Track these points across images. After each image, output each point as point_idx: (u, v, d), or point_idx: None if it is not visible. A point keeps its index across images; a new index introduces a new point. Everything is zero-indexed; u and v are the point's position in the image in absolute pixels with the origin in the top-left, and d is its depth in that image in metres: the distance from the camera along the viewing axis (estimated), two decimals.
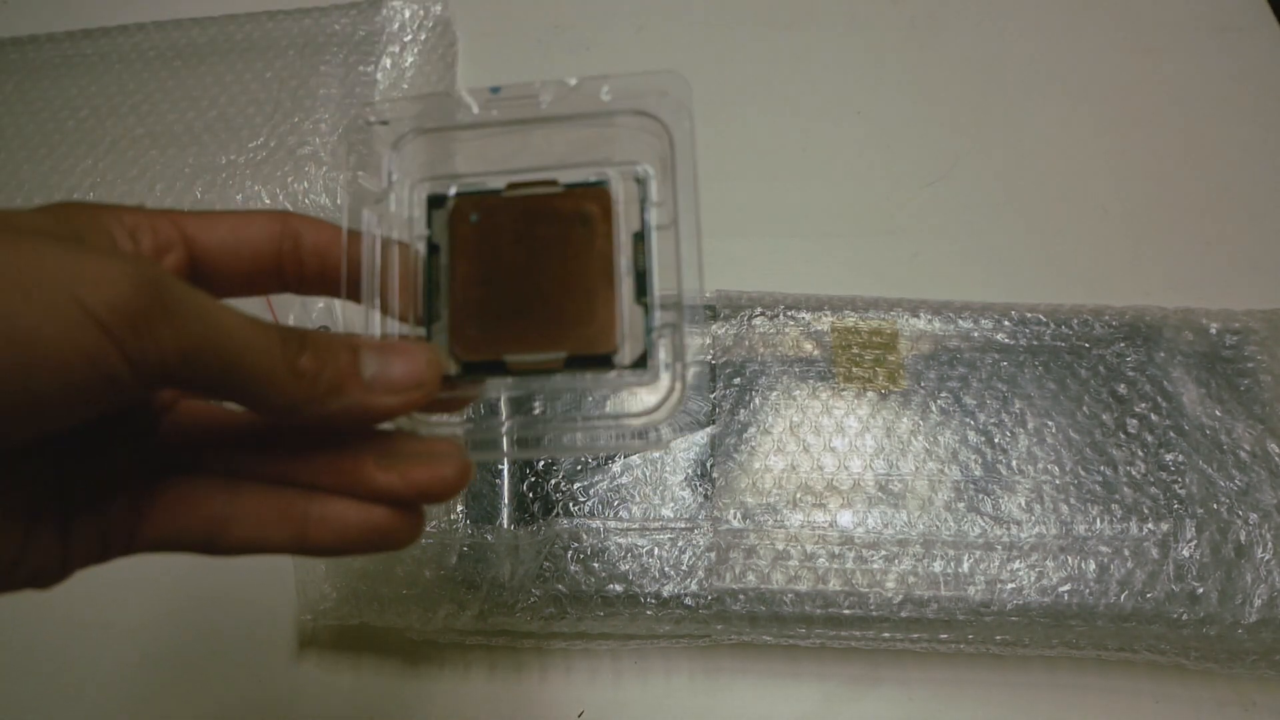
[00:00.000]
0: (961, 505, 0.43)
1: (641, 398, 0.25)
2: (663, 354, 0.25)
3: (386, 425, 0.25)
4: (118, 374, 0.19)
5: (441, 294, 0.26)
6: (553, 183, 0.26)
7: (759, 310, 0.48)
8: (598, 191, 0.26)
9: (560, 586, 0.41)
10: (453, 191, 0.27)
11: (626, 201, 0.26)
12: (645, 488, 0.44)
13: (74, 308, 0.18)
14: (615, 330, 0.25)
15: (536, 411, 0.25)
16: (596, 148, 0.26)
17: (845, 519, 0.43)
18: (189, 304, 0.20)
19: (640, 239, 0.26)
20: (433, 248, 0.26)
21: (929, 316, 0.48)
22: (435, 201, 0.27)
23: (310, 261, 0.26)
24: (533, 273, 0.26)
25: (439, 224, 0.26)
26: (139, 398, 0.21)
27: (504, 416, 0.25)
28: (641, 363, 0.25)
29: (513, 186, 0.26)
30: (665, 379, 0.25)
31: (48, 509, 0.23)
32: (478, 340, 0.25)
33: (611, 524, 0.43)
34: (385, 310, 0.26)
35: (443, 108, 0.27)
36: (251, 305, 0.24)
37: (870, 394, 0.46)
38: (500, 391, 0.26)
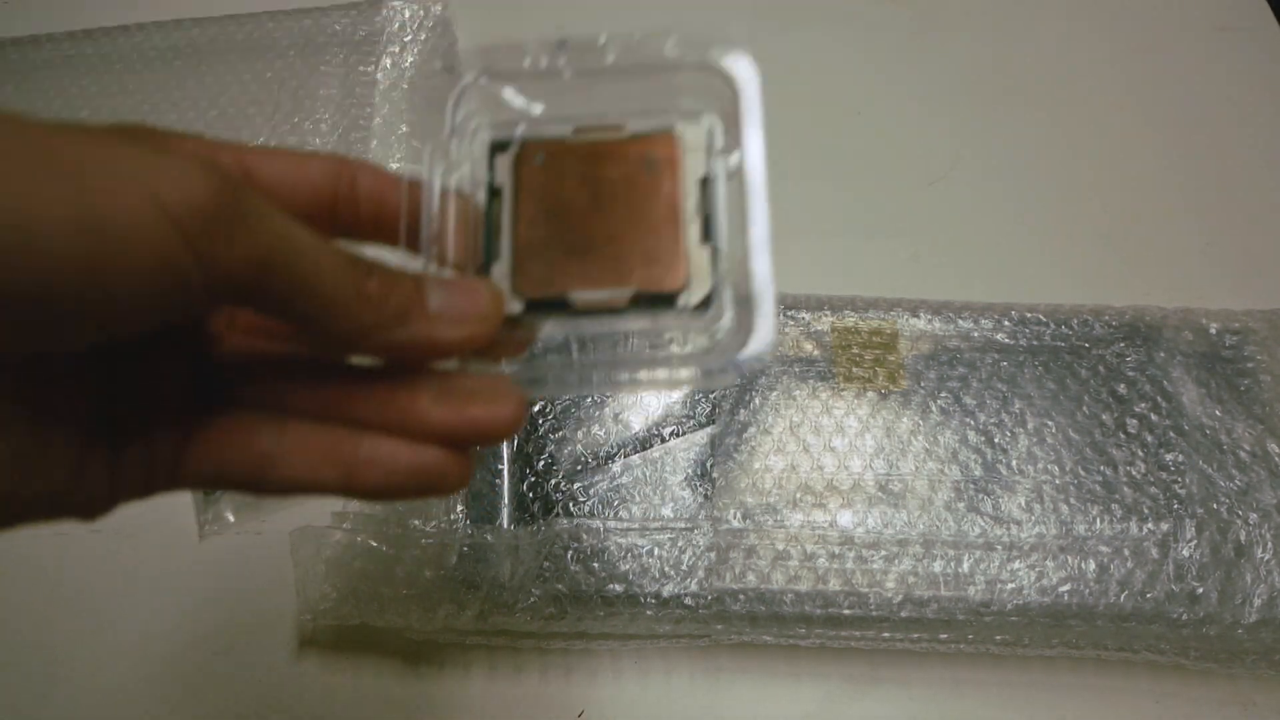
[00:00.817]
0: (961, 505, 0.43)
1: (708, 337, 0.25)
2: (728, 297, 0.25)
3: (443, 365, 0.25)
4: (189, 277, 0.19)
5: (503, 237, 0.26)
6: (619, 128, 0.26)
7: None
8: (664, 138, 0.26)
9: (560, 586, 0.41)
10: (519, 133, 0.27)
11: (693, 149, 0.26)
12: (645, 488, 0.44)
13: (151, 205, 0.18)
14: (682, 269, 0.25)
15: (599, 352, 0.25)
16: (662, 97, 0.27)
17: (845, 519, 0.43)
18: (264, 215, 0.20)
19: (706, 184, 0.26)
20: (494, 191, 0.26)
21: (929, 316, 0.48)
22: (499, 146, 0.27)
23: (366, 206, 0.26)
24: (599, 214, 0.26)
25: (502, 168, 0.26)
26: (204, 308, 0.20)
27: (567, 354, 0.25)
28: (707, 303, 0.25)
29: (579, 131, 0.27)
30: (730, 321, 0.25)
31: (99, 435, 0.22)
32: (542, 277, 0.25)
33: (611, 524, 0.43)
34: (441, 260, 0.25)
35: (510, 57, 0.27)
36: None
37: (870, 394, 0.46)
38: (561, 332, 0.25)
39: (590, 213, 0.26)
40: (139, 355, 0.23)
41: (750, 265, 0.24)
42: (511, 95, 0.27)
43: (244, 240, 0.20)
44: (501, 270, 0.26)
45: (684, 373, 0.25)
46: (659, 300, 0.25)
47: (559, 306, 0.25)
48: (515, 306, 0.25)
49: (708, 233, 0.25)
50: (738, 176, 0.25)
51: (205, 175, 0.19)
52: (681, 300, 0.25)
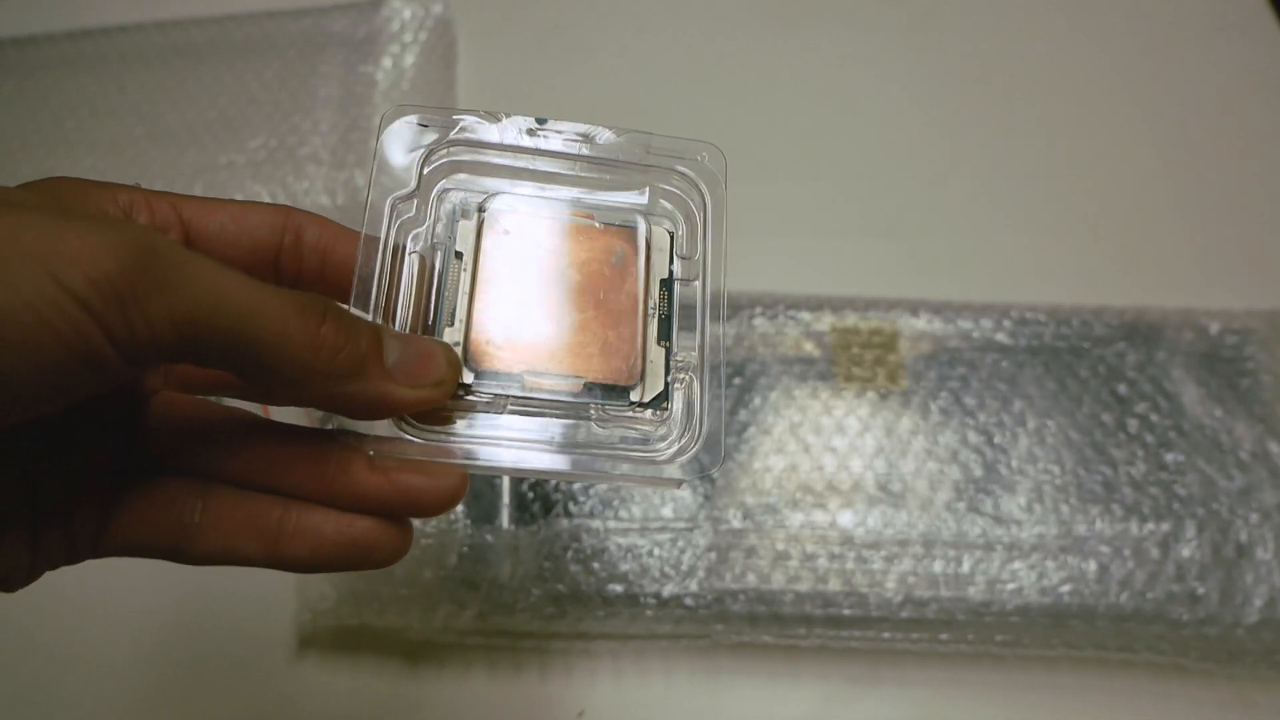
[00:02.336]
0: (962, 505, 0.43)
1: (656, 436, 0.25)
2: (679, 398, 0.26)
3: (384, 431, 0.24)
4: (101, 355, 0.18)
5: (458, 303, 0.26)
6: (589, 216, 0.27)
7: (759, 310, 0.48)
8: (632, 234, 0.27)
9: (560, 586, 0.41)
10: (486, 204, 0.27)
11: (657, 250, 0.27)
12: (645, 488, 0.44)
13: (50, 285, 0.17)
14: (638, 366, 0.25)
15: (544, 433, 0.25)
16: (634, 196, 0.27)
17: (845, 519, 0.43)
18: (184, 269, 0.19)
19: (666, 286, 0.27)
20: (456, 255, 0.26)
21: (929, 316, 0.48)
22: (464, 211, 0.27)
23: (310, 259, 0.25)
24: (561, 297, 0.26)
25: (464, 233, 0.26)
26: (128, 376, 0.19)
27: (504, 433, 0.25)
28: (658, 401, 0.25)
29: (549, 212, 0.27)
30: (679, 422, 0.25)
31: (16, 513, 0.22)
32: (496, 350, 0.25)
33: (611, 524, 0.43)
34: (388, 318, 0.25)
35: (484, 125, 0.27)
36: None
37: (870, 394, 0.46)
38: (511, 407, 0.25)
39: (553, 294, 0.26)
40: (59, 429, 0.22)
41: (703, 377, 0.25)
42: (479, 164, 0.27)
43: (163, 302, 0.18)
44: (453, 336, 0.25)
45: (625, 468, 0.25)
46: (611, 391, 0.25)
47: (511, 382, 0.25)
48: (467, 375, 0.25)
49: (665, 332, 0.26)
50: (697, 283, 0.27)
51: (111, 242, 0.18)
52: (634, 395, 0.25)
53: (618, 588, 0.42)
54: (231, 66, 0.57)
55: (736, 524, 0.43)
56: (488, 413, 0.25)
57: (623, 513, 0.43)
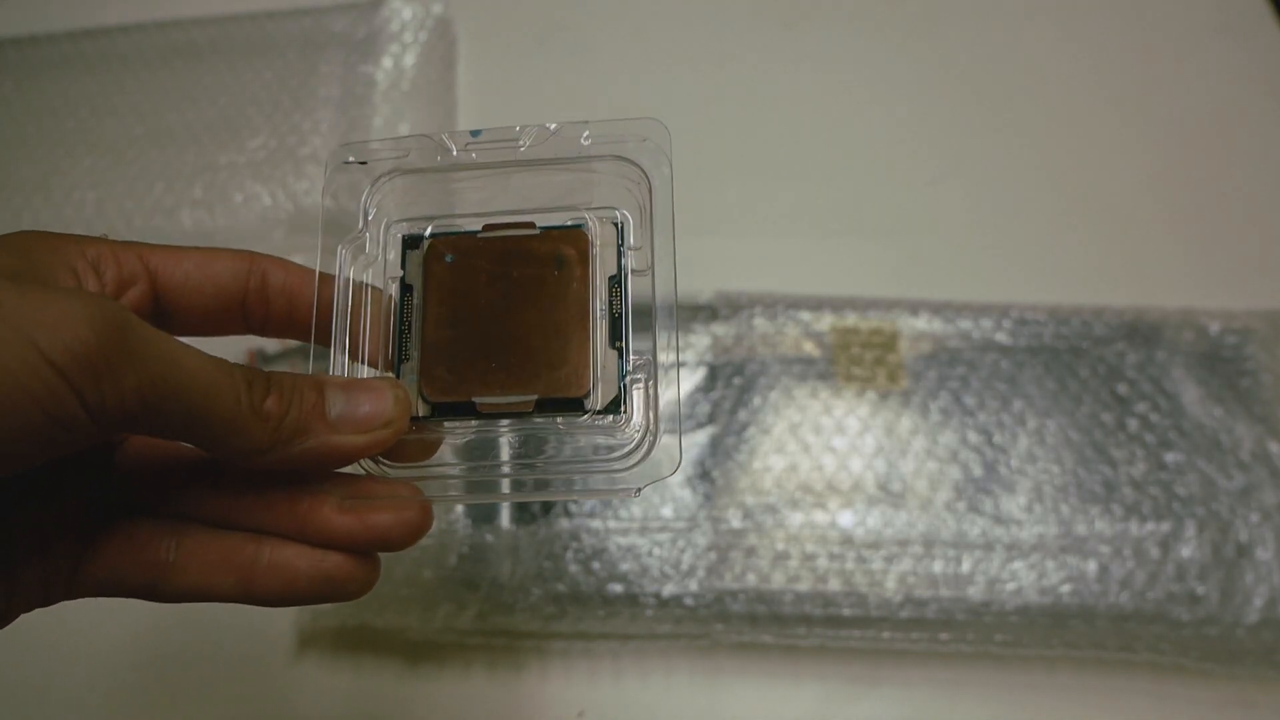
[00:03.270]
0: (961, 505, 0.43)
1: (613, 443, 0.25)
2: (637, 400, 0.25)
3: (350, 469, 0.24)
4: (75, 420, 0.19)
5: (413, 335, 0.26)
6: (530, 225, 0.26)
7: (759, 310, 0.48)
8: (574, 234, 0.26)
9: (560, 586, 0.41)
10: (429, 232, 0.27)
11: (603, 245, 0.26)
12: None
13: (31, 352, 0.18)
14: (588, 374, 0.25)
15: (503, 456, 0.25)
16: (575, 192, 0.27)
17: (845, 519, 0.43)
18: (151, 346, 0.20)
19: (616, 283, 0.26)
20: (406, 288, 0.26)
21: (929, 316, 0.48)
22: (411, 242, 0.27)
23: (277, 302, 0.26)
24: (506, 314, 0.26)
25: (413, 264, 0.26)
26: (95, 440, 0.20)
27: (471, 460, 0.25)
28: (614, 407, 0.25)
29: (489, 228, 0.26)
30: (638, 426, 0.25)
31: None
32: (447, 381, 0.25)
33: (611, 524, 0.43)
34: (354, 355, 0.25)
35: (422, 149, 0.27)
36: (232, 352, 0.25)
37: (870, 394, 0.46)
38: (468, 435, 0.25)
39: (499, 314, 0.26)
40: (33, 476, 0.22)
41: (655, 376, 0.25)
42: (424, 189, 0.27)
43: (131, 375, 0.19)
44: (411, 369, 0.25)
45: (580, 481, 0.25)
46: (564, 404, 0.25)
47: (466, 410, 0.25)
48: (422, 408, 0.25)
49: (617, 333, 0.25)
50: (649, 273, 0.25)
51: (90, 316, 0.19)
52: (587, 404, 0.25)
53: (618, 588, 0.42)
54: (232, 66, 0.57)
55: (736, 524, 0.43)
56: (451, 441, 0.25)
57: (623, 513, 0.43)
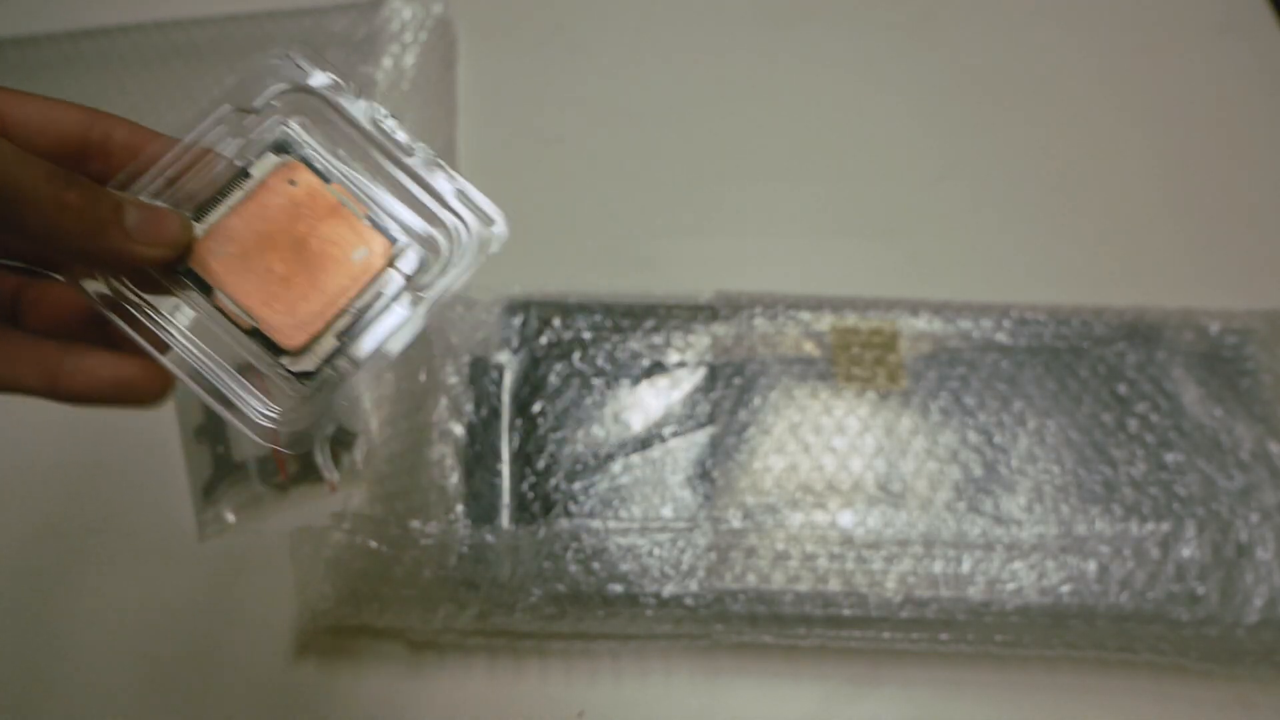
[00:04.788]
0: (962, 505, 0.43)
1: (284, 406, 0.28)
2: (324, 388, 0.28)
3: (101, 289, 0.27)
4: None
5: (220, 209, 0.28)
6: (364, 210, 0.29)
7: (759, 310, 0.48)
8: (385, 244, 0.29)
9: (560, 586, 0.41)
10: (296, 151, 0.29)
11: (399, 268, 0.29)
12: (645, 488, 0.44)
13: None
14: (304, 339, 0.28)
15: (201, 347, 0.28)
16: (418, 222, 0.29)
17: (845, 519, 0.43)
18: None
19: (379, 300, 0.29)
20: (245, 174, 0.29)
21: (929, 316, 0.48)
22: (280, 148, 0.29)
23: (119, 156, 0.28)
24: (294, 254, 0.28)
25: (265, 164, 0.29)
26: None
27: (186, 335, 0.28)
28: (303, 379, 0.28)
29: (335, 188, 0.29)
30: (309, 406, 0.28)
31: None
32: (215, 261, 0.28)
33: (611, 524, 0.43)
34: (158, 197, 0.28)
35: (348, 96, 0.29)
36: None
37: (870, 394, 0.46)
38: (193, 310, 0.28)
39: (289, 248, 0.28)
40: None
41: (350, 383, 0.28)
42: (325, 123, 0.29)
43: None
44: (198, 231, 0.28)
45: (239, 404, 0.27)
46: (271, 346, 0.28)
47: (206, 289, 0.28)
48: (185, 262, 0.28)
49: (349, 333, 0.28)
50: (424, 307, 0.29)
51: None
52: (286, 360, 0.28)
53: (618, 588, 0.42)
54: (232, 67, 0.57)
55: (736, 524, 0.43)
56: (186, 304, 0.28)
57: (623, 513, 0.43)
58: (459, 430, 0.45)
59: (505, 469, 0.45)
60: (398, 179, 0.29)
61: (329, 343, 0.28)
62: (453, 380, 0.46)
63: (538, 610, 0.41)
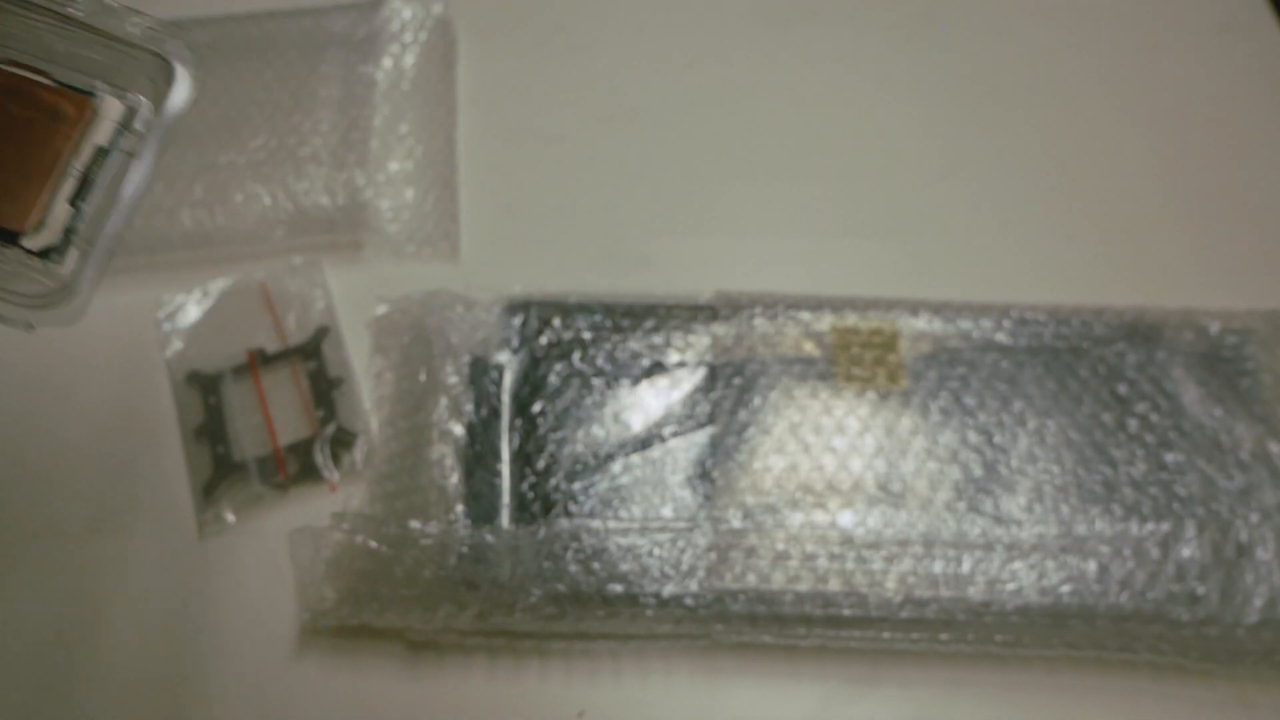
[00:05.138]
0: (962, 505, 0.43)
1: (39, 287, 0.28)
2: (73, 260, 0.28)
3: None
4: None
5: None
6: (45, 75, 0.28)
7: (759, 310, 0.48)
8: (81, 99, 0.28)
9: (560, 586, 0.41)
10: None
11: (107, 118, 0.28)
12: (645, 488, 0.44)
13: None
14: (34, 215, 0.27)
15: None
16: (104, 66, 0.29)
17: (845, 519, 0.43)
18: None
19: (103, 154, 0.28)
20: None
21: (929, 316, 0.48)
22: None
23: None
24: None
25: None
26: None
27: None
28: (49, 254, 0.28)
29: (8, 62, 0.28)
30: (67, 277, 0.28)
31: None
32: None
33: (611, 524, 0.43)
34: None
35: None
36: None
37: (870, 394, 0.46)
38: None
39: None
40: None
41: (96, 245, 0.28)
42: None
43: None
44: None
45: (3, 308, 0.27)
46: (6, 236, 0.27)
47: None
48: None
49: (81, 194, 0.28)
50: (139, 158, 0.29)
51: None
52: (24, 241, 0.27)
53: (618, 588, 0.41)
54: (231, 66, 0.57)
55: (736, 524, 0.43)
56: None
57: (623, 513, 0.43)
58: (459, 430, 0.45)
59: (505, 469, 0.45)
60: (71, 33, 0.28)
61: (62, 210, 0.28)
62: (453, 380, 0.46)
63: (538, 610, 0.41)
